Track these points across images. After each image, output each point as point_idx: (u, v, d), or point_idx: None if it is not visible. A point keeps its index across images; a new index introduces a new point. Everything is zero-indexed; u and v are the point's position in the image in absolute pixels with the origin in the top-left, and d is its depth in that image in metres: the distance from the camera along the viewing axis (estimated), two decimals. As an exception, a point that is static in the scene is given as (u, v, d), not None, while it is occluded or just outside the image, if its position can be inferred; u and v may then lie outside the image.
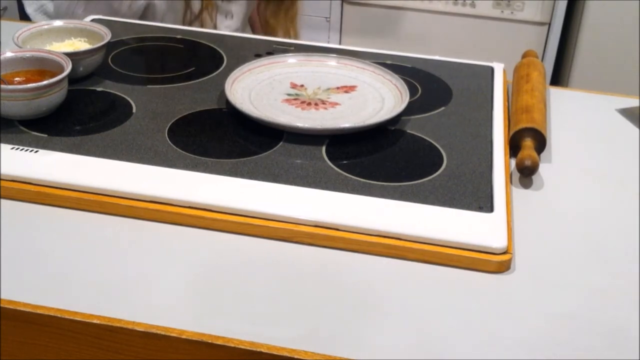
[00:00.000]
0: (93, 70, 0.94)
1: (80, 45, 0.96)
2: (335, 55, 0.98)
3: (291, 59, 0.97)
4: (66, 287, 0.63)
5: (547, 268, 0.68)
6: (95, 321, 0.60)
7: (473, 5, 2.01)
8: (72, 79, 0.89)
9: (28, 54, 0.87)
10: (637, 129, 0.93)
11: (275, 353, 0.58)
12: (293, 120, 0.84)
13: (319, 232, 0.69)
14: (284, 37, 1.26)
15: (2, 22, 1.13)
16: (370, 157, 0.81)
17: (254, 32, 1.31)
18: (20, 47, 0.89)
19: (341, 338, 0.60)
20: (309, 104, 0.89)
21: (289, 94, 0.91)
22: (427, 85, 0.97)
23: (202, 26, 1.23)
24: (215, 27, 1.25)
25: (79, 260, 0.66)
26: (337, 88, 0.93)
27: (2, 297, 0.62)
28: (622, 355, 0.59)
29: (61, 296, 0.62)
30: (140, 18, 1.19)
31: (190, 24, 1.23)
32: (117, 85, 0.92)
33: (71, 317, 0.60)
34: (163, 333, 0.59)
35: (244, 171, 0.76)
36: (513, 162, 0.83)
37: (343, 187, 0.74)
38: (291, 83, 0.93)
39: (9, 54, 0.86)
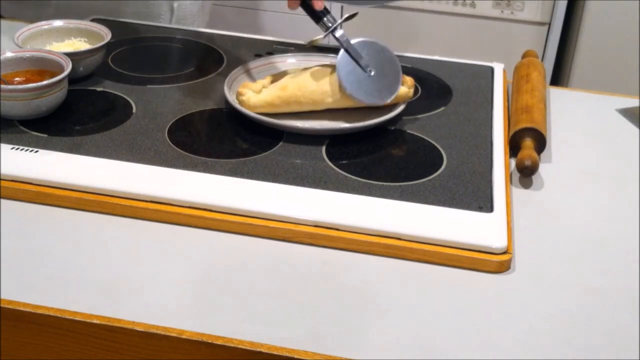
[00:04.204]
0: (93, 70, 0.94)
1: (80, 45, 0.96)
2: (335, 55, 0.98)
3: (291, 59, 0.97)
4: (66, 287, 0.63)
5: (547, 268, 0.68)
6: (95, 321, 0.60)
7: (473, 5, 2.01)
8: (72, 79, 0.89)
9: (28, 54, 0.87)
10: (637, 129, 0.93)
11: (275, 353, 0.58)
12: (293, 120, 0.84)
13: (319, 232, 0.69)
14: None
15: (2, 22, 1.13)
16: (370, 157, 0.81)
17: None
18: (20, 47, 0.89)
19: (341, 338, 0.60)
20: (309, 104, 0.89)
21: (289, 94, 0.90)
22: (427, 85, 0.97)
23: None
24: None
25: (79, 260, 0.66)
26: (337, 88, 0.92)
27: (2, 297, 0.62)
28: (622, 355, 0.59)
29: (61, 296, 0.62)
30: None
31: None
32: (117, 85, 0.92)
33: (71, 317, 0.60)
34: (163, 333, 0.59)
35: (244, 171, 0.76)
36: (513, 162, 0.83)
37: (343, 187, 0.74)
38: (291, 83, 0.93)
39: (9, 54, 0.86)
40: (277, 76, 0.88)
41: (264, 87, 0.86)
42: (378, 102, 0.86)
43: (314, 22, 0.87)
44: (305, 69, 0.89)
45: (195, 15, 1.26)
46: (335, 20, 0.87)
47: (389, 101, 0.86)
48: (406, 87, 0.87)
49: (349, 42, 0.86)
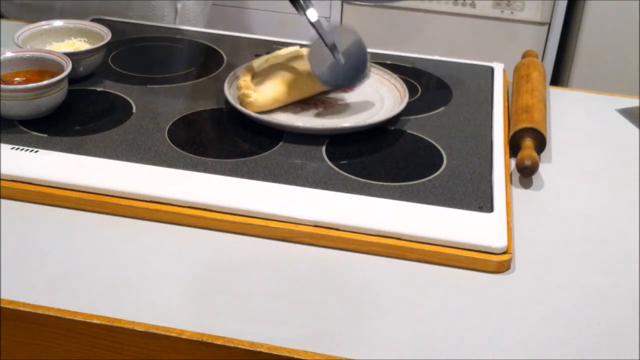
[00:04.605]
0: (93, 70, 0.94)
1: (80, 45, 0.96)
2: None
3: (291, 59, 0.97)
4: (66, 287, 0.63)
5: (547, 268, 0.68)
6: (95, 321, 0.60)
7: (473, 5, 2.01)
8: (72, 79, 0.89)
9: (28, 54, 0.87)
10: (637, 129, 0.93)
11: (275, 353, 0.58)
12: (293, 120, 0.84)
13: (319, 232, 0.69)
14: None
15: (2, 22, 1.13)
16: (370, 157, 0.81)
17: None
18: (20, 47, 0.89)
19: (341, 338, 0.60)
20: (309, 103, 0.89)
21: (289, 94, 0.91)
22: (427, 85, 0.97)
23: None
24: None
25: (79, 260, 0.66)
26: (337, 88, 0.92)
27: (2, 297, 0.62)
28: (622, 355, 0.59)
29: (61, 296, 0.62)
30: None
31: None
32: (117, 85, 0.92)
33: (71, 317, 0.60)
34: (163, 333, 0.59)
35: (244, 171, 0.76)
36: (513, 162, 0.83)
37: (343, 187, 0.74)
38: (291, 83, 0.93)
39: (9, 54, 0.86)
40: (256, 70, 0.89)
41: (259, 82, 0.86)
42: (346, 86, 0.90)
43: (290, 3, 0.88)
44: (278, 60, 0.91)
45: (198, 15, 1.26)
46: (309, 4, 0.87)
47: (357, 86, 0.90)
48: None
49: (322, 28, 0.87)
